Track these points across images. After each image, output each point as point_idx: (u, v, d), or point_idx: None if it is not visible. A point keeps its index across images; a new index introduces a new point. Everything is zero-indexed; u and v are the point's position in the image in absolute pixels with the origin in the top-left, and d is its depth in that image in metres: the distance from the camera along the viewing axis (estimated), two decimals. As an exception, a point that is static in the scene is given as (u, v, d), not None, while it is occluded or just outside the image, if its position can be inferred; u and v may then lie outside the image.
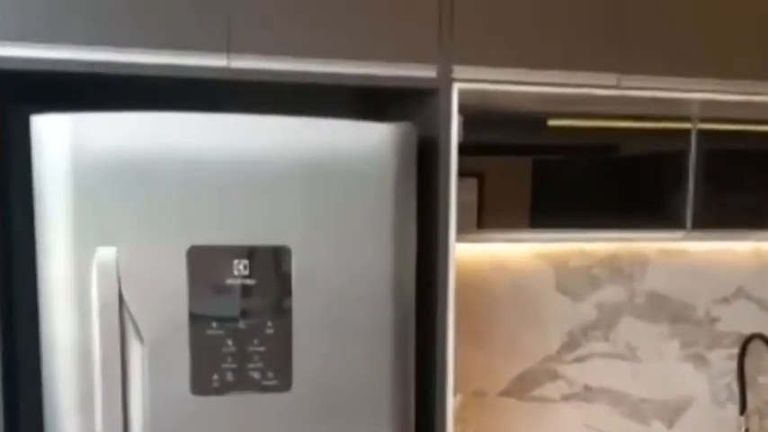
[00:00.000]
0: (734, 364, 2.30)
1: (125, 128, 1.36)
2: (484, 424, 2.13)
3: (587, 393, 2.20)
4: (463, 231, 1.72)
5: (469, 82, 1.64)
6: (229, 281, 1.42)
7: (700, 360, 2.28)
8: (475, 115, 1.70)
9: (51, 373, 1.40)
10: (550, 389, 2.17)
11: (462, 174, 1.66)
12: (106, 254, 1.36)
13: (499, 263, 2.10)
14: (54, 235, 1.37)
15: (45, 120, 1.35)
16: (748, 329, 2.29)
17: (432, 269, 1.65)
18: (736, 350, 2.29)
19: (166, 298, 1.40)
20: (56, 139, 1.34)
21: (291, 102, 1.63)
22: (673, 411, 2.28)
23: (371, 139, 1.48)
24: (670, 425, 2.28)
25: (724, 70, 1.81)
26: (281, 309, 1.45)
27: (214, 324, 1.42)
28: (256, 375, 1.45)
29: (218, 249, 1.41)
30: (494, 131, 1.81)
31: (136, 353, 1.39)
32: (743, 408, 2.28)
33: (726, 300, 2.28)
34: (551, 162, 1.90)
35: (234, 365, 1.43)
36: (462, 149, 1.65)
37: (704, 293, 2.26)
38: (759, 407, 2.35)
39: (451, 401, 1.68)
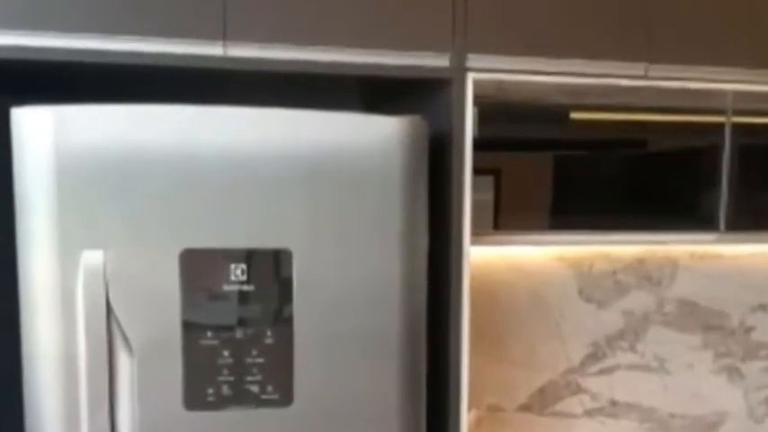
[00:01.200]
0: (771, 377, 2.29)
1: (113, 121, 1.35)
2: (501, 441, 2.12)
3: (612, 408, 2.20)
4: (478, 233, 1.71)
5: (485, 72, 1.64)
6: (226, 287, 1.42)
7: (734, 372, 2.28)
8: (491, 108, 1.71)
9: (34, 384, 1.39)
10: (573, 403, 2.17)
11: (477, 171, 1.66)
12: (93, 257, 1.35)
13: (517, 267, 2.10)
14: (37, 237, 1.36)
15: (26, 112, 1.35)
16: (786, 339, 2.29)
17: (444, 274, 1.65)
18: (773, 362, 2.29)
19: (157, 305, 1.39)
20: (38, 133, 1.33)
21: (292, 94, 1.62)
22: (705, 427, 2.28)
23: (379, 133, 1.47)
24: (702, 442, 2.28)
25: (760, 59, 1.79)
26: (281, 317, 1.45)
27: (209, 333, 1.41)
28: (255, 389, 1.44)
29: (213, 253, 1.41)
30: (511, 125, 1.82)
31: (124, 364, 1.38)
32: (781, 424, 2.27)
33: (762, 307, 2.28)
34: (573, 158, 1.90)
35: (230, 378, 1.42)
36: (477, 145, 1.65)
37: (739, 300, 2.25)
38: (798, 423, 2.34)
39: (466, 417, 1.68)
